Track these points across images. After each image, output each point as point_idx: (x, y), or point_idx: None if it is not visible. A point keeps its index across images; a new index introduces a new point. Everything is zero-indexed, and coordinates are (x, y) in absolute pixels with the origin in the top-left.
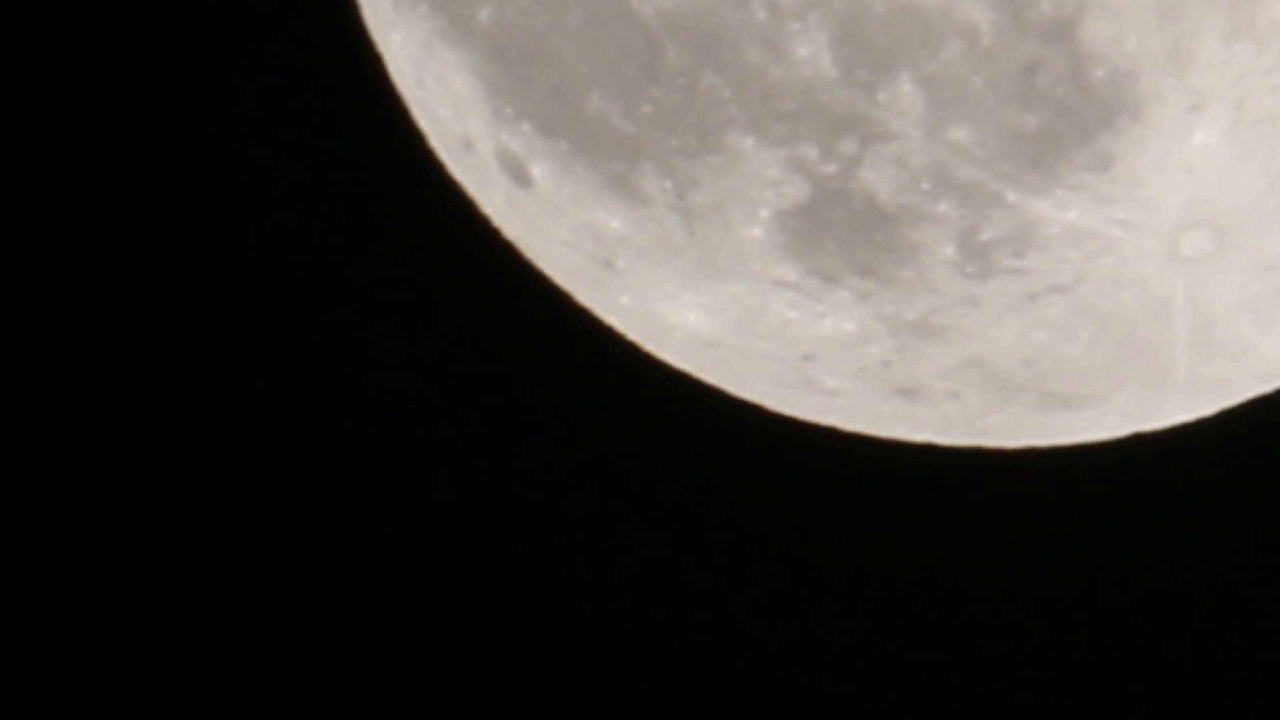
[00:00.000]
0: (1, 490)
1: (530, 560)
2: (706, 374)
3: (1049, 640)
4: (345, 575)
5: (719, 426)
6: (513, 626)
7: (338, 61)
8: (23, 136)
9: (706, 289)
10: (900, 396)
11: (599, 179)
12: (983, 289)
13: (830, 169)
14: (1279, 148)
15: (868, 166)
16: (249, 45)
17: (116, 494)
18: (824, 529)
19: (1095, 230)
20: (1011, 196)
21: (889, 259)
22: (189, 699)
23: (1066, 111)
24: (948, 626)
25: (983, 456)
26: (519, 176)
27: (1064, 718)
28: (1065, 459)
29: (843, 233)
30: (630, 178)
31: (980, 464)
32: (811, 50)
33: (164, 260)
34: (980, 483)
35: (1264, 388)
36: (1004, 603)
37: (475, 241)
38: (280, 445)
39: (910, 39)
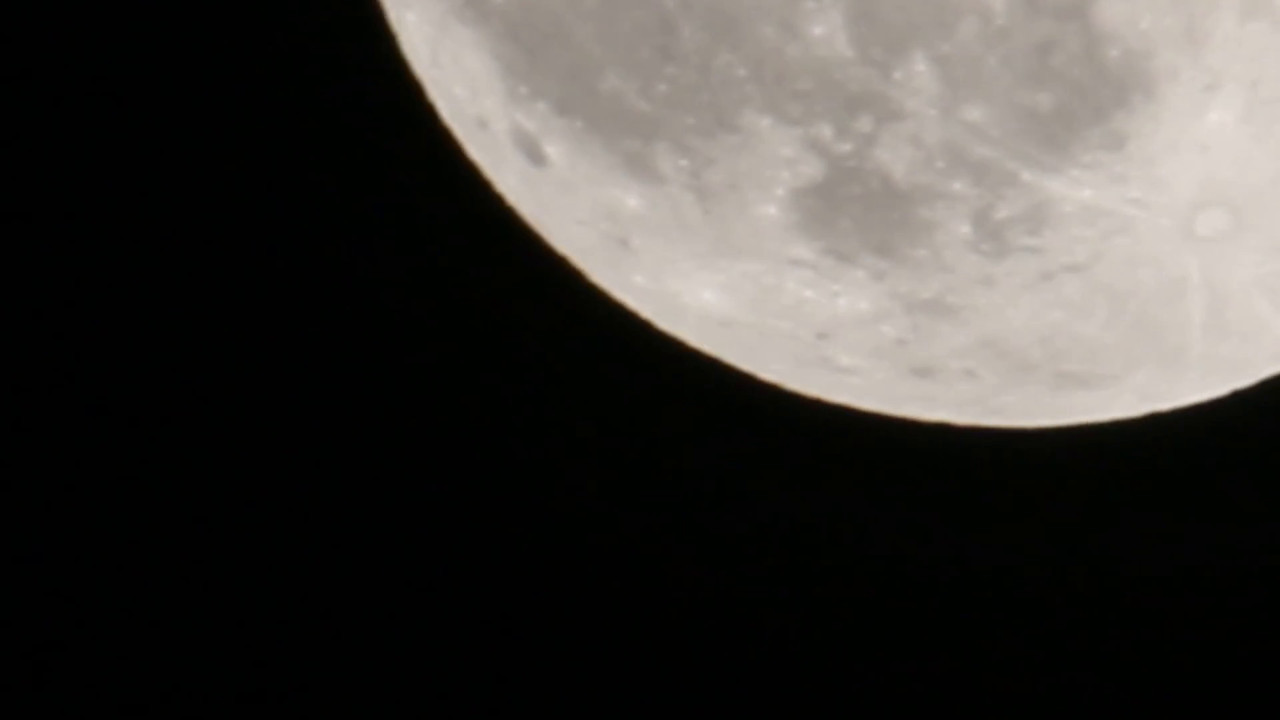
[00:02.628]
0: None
1: (543, 538)
2: (722, 353)
3: (1064, 618)
4: (357, 556)
5: (734, 405)
6: (523, 606)
7: (353, 40)
8: (24, 115)
9: (722, 268)
10: (915, 375)
11: (614, 158)
12: (998, 268)
13: (845, 148)
14: None
15: (883, 145)
16: (264, 25)
17: (121, 488)
18: (838, 507)
19: (1110, 209)
20: (1026, 175)
21: (904, 238)
22: (194, 695)
23: (1081, 90)
24: (962, 605)
25: (997, 435)
26: (534, 155)
27: (1079, 695)
28: (1080, 438)
29: (858, 211)
30: (645, 157)
31: (995, 443)
32: (827, 29)
33: (175, 239)
34: (995, 462)
35: (1278, 367)
36: (1019, 581)
37: (490, 220)
38: (294, 421)
39: (925, 18)
